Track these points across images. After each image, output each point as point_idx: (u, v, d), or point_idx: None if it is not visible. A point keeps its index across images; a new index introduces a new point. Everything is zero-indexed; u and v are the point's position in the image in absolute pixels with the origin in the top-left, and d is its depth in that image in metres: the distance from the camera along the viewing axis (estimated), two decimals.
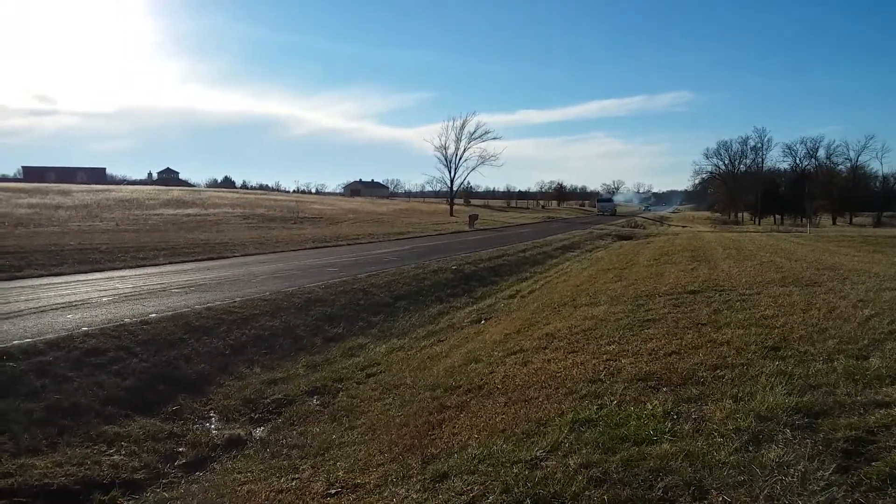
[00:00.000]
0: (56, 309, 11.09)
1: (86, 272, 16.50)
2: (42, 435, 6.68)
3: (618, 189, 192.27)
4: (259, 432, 7.44)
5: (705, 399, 5.24)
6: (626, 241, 36.67)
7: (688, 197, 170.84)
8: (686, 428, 4.61)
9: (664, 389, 5.63)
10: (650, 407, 5.13)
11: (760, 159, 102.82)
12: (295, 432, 7.14)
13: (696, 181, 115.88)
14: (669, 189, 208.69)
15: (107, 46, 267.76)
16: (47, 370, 7.90)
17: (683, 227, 65.58)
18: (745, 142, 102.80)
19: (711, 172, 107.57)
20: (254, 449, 6.79)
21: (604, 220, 69.07)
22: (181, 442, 7.00)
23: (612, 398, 5.51)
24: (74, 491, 5.79)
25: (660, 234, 45.48)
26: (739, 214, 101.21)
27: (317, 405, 8.32)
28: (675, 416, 4.87)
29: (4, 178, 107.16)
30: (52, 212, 36.42)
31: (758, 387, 5.37)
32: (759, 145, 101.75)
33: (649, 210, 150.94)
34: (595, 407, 5.33)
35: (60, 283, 14.51)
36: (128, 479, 6.07)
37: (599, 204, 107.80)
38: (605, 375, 6.31)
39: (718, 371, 5.98)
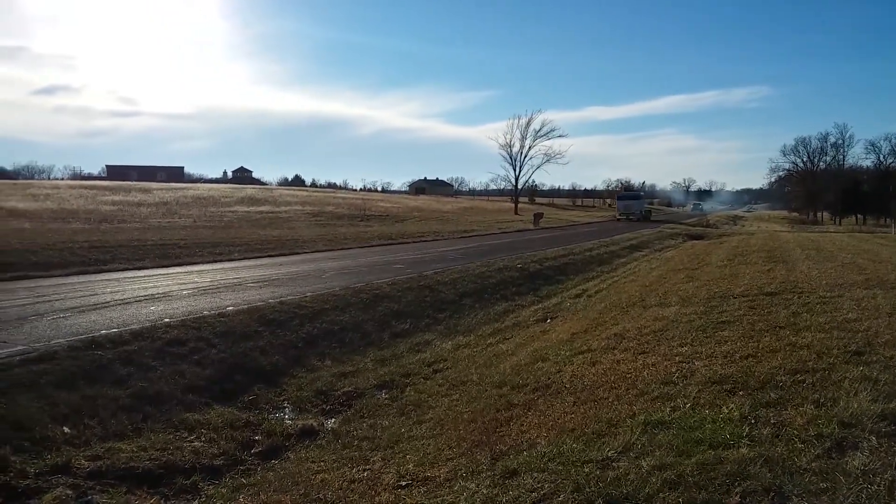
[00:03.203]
0: (139, 301, 11.66)
1: (166, 266, 17.31)
2: (128, 420, 7.02)
3: (688, 187, 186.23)
4: (331, 423, 7.63)
5: (785, 404, 5.08)
6: (697, 241, 35.70)
7: (763, 196, 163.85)
8: (765, 433, 4.49)
9: (740, 393, 5.49)
10: (726, 410, 5.01)
11: (841, 156, 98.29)
12: (365, 424, 7.29)
13: (773, 179, 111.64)
14: (744, 187, 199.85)
15: (185, 49, 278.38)
16: (132, 359, 8.30)
17: (758, 226, 63.31)
18: (825, 138, 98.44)
19: (789, 170, 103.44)
20: (326, 439, 6.95)
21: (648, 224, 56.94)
22: (257, 430, 7.23)
23: (685, 401, 5.41)
24: (158, 475, 6.03)
25: (733, 233, 44.05)
26: (818, 214, 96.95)
27: (385, 399, 8.46)
28: (752, 421, 4.75)
29: (90, 177, 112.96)
30: (134, 209, 38.23)
31: (841, 392, 5.18)
32: (840, 142, 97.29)
33: (700, 210, 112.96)
34: (668, 409, 5.25)
35: (143, 276, 15.24)
36: (208, 465, 6.31)
37: (620, 203, 69.66)
38: (677, 377, 6.20)
39: (798, 375, 5.80)
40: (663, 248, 31.38)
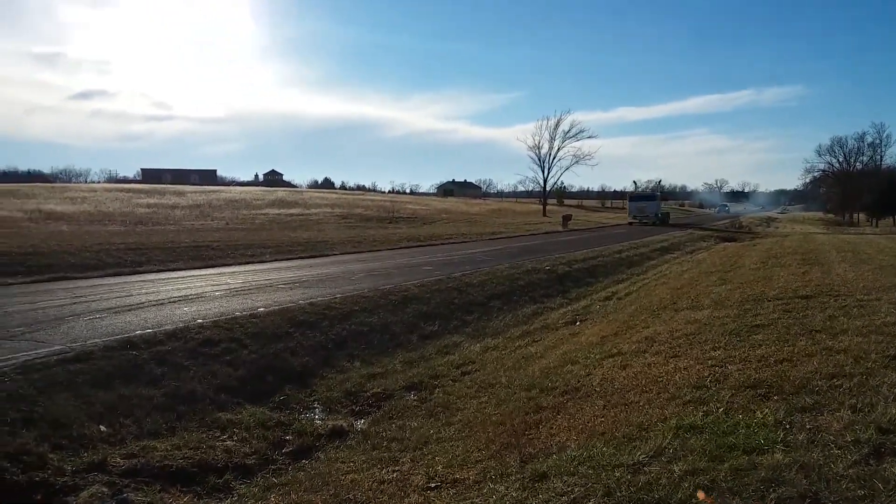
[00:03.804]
0: (173, 302, 11.86)
1: (199, 268, 17.61)
2: (162, 419, 7.14)
3: (720, 188, 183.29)
4: (360, 424, 7.68)
5: (821, 409, 4.98)
6: (729, 243, 35.14)
7: (798, 197, 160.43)
8: (800, 438, 4.40)
9: (775, 398, 5.39)
10: (760, 415, 4.93)
11: (879, 156, 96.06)
12: (394, 426, 7.31)
13: (807, 180, 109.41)
14: (778, 188, 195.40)
15: (216, 54, 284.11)
16: (166, 359, 8.44)
17: (793, 228, 62.11)
18: (861, 138, 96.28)
19: (824, 171, 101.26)
20: (355, 440, 7.00)
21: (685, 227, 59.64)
22: (288, 430, 7.31)
23: (718, 405, 5.33)
24: (192, 473, 6.14)
25: (767, 235, 43.27)
26: (855, 215, 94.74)
27: (414, 400, 8.49)
28: (787, 426, 4.67)
29: (125, 180, 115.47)
30: (168, 211, 38.96)
31: (879, 397, 5.06)
32: (878, 141, 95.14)
33: (727, 212, 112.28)
34: (700, 413, 5.18)
35: (177, 277, 15.51)
36: (240, 463, 6.41)
37: (632, 204, 61.36)
38: (710, 381, 6.10)
39: (835, 380, 5.67)
40: (695, 251, 30.96)
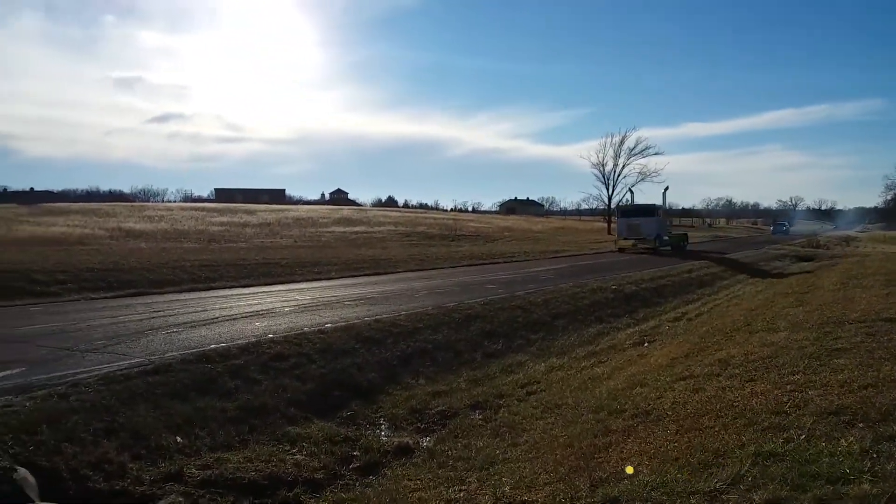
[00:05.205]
0: (245, 317, 12.23)
1: (269, 284, 18.14)
2: (235, 432, 7.33)
3: (795, 205, 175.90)
4: (426, 442, 7.68)
5: None
6: (806, 263, 33.73)
7: (879, 214, 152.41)
8: (889, 468, 4.17)
9: (860, 425, 5.13)
10: (845, 443, 4.69)
11: None
12: (459, 444, 7.28)
13: (888, 197, 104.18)
14: (856, 206, 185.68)
15: (285, 77, 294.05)
16: (239, 373, 8.68)
17: (874, 247, 59.10)
18: None
19: None
20: (421, 458, 7.00)
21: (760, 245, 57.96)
22: (355, 446, 7.37)
23: (799, 432, 5.11)
24: (263, 486, 6.25)
25: (846, 255, 41.31)
26: None
27: (479, 419, 8.45)
28: (874, 455, 4.43)
29: (200, 199, 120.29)
30: (239, 229, 40.34)
31: None
32: None
33: (784, 232, 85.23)
34: (780, 440, 4.97)
35: (248, 293, 16.01)
36: (309, 478, 6.49)
37: (622, 221, 42.53)
38: (789, 407, 5.86)
39: None
40: (769, 271, 29.85)
